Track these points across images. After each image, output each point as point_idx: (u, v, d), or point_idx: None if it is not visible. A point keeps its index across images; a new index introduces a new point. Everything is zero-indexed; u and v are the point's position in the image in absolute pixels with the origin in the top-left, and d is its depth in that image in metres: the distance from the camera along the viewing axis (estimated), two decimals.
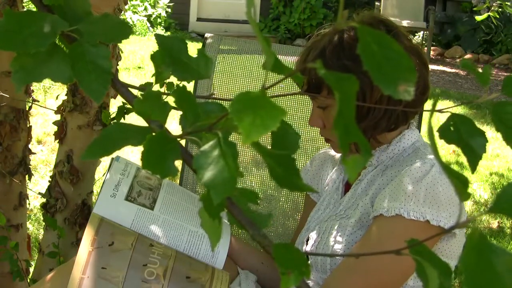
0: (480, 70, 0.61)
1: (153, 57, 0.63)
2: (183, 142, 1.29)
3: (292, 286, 0.50)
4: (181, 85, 0.60)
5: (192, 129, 0.57)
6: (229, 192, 0.50)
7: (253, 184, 1.82)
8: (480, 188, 3.95)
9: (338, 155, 1.48)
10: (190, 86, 1.90)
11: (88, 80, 0.57)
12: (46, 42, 0.57)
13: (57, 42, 0.60)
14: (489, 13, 2.90)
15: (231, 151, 0.52)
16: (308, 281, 1.33)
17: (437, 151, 0.51)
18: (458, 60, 8.67)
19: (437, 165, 1.20)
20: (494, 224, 3.47)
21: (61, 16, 0.60)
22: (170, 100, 0.60)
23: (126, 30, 0.63)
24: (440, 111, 0.63)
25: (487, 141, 0.59)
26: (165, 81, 0.63)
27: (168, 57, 0.62)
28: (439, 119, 4.87)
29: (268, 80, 0.53)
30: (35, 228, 2.80)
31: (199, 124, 0.57)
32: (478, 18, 2.90)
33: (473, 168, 0.58)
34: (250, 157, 1.82)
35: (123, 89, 0.62)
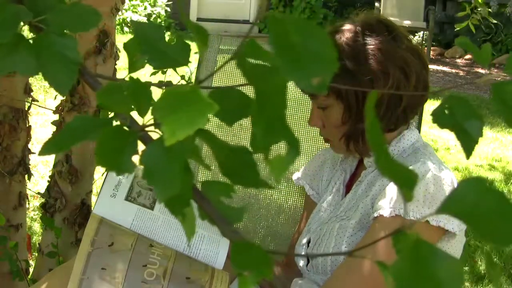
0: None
1: (126, 45, 0.59)
2: None
3: (250, 287, 0.46)
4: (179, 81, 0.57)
5: (146, 122, 0.53)
6: (174, 190, 0.46)
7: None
8: None
9: (338, 156, 1.48)
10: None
11: (53, 71, 0.54)
12: (7, 33, 0.53)
13: (25, 33, 0.56)
14: (468, 21, 2.91)
15: (180, 146, 0.47)
16: (308, 283, 1.33)
17: (382, 142, 0.47)
18: (458, 60, 8.66)
19: (437, 165, 1.20)
20: None
21: (31, 5, 0.56)
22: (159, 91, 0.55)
23: (94, 18, 0.58)
24: (435, 92, 0.60)
25: (483, 124, 0.55)
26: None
27: (144, 45, 0.57)
28: None
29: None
30: (34, 228, 2.80)
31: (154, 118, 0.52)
32: (458, 26, 2.92)
33: (468, 154, 0.55)
34: None
35: (91, 80, 0.58)
